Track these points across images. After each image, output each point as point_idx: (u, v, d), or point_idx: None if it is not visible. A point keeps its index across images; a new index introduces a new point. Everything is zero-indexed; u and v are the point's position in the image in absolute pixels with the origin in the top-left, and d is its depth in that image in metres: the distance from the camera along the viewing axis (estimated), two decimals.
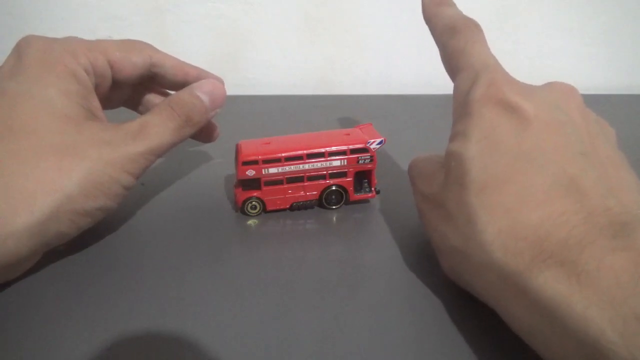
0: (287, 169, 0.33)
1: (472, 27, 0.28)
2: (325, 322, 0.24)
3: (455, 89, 0.27)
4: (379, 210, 0.35)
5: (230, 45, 0.66)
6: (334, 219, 0.34)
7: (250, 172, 0.33)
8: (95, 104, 0.30)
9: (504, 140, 0.22)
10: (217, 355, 0.23)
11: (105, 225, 0.34)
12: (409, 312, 0.25)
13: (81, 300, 0.26)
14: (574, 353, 0.17)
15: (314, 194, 0.34)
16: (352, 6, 0.64)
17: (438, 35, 0.29)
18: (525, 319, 0.20)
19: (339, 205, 0.35)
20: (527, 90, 0.24)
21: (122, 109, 0.37)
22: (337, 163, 0.34)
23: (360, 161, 0.34)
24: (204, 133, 0.36)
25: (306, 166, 0.33)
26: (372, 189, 0.35)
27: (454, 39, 0.28)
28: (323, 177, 0.34)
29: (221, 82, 0.35)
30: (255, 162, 0.33)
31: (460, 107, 0.25)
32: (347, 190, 0.35)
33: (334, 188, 0.34)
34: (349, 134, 0.35)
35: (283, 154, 0.33)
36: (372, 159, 0.34)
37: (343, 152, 0.33)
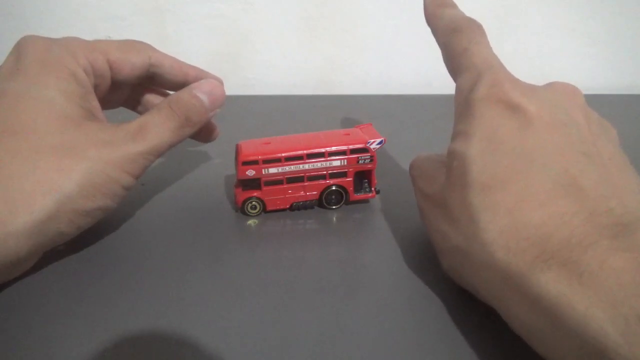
0: (287, 169, 0.33)
1: (475, 28, 0.28)
2: (325, 322, 0.24)
3: (458, 88, 0.27)
4: (379, 210, 0.35)
5: (230, 45, 0.66)
6: (334, 219, 0.34)
7: (250, 172, 0.33)
8: (95, 104, 0.30)
9: (506, 140, 0.22)
10: (217, 355, 0.23)
11: (105, 225, 0.34)
12: (409, 312, 0.25)
13: (81, 300, 0.26)
14: (574, 353, 0.17)
15: (314, 194, 0.34)
16: (352, 6, 0.64)
17: (440, 35, 0.29)
18: (526, 319, 0.20)
19: (339, 205, 0.35)
20: (530, 90, 0.24)
21: (122, 109, 0.37)
22: (337, 163, 0.34)
23: (360, 161, 0.34)
24: (204, 133, 0.36)
25: (306, 166, 0.33)
26: (372, 189, 0.35)
27: (456, 39, 0.28)
28: (323, 177, 0.34)
29: (220, 82, 0.35)
30: (255, 162, 0.33)
31: (462, 106, 0.25)
32: (347, 190, 0.35)
33: (334, 188, 0.34)
34: (349, 134, 0.35)
35: (283, 154, 0.33)
36: (372, 159, 0.34)
37: (343, 152, 0.33)
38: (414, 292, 0.27)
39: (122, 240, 0.32)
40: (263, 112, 0.57)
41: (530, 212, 0.20)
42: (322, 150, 0.33)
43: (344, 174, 0.34)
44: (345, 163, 0.34)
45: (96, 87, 0.31)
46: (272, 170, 0.33)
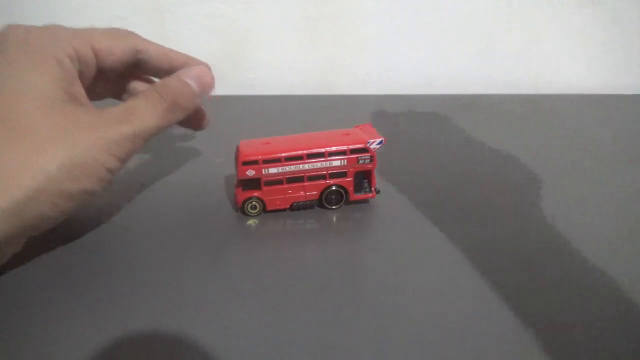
0: (287, 169, 0.33)
1: None
2: (325, 322, 0.24)
3: None
4: (379, 210, 0.35)
5: (230, 45, 0.66)
6: (334, 219, 0.34)
7: (250, 172, 0.33)
8: (80, 90, 0.29)
9: None
10: (217, 355, 0.23)
11: (105, 225, 0.34)
12: (409, 311, 0.25)
13: (81, 300, 0.26)
14: None
15: (314, 194, 0.34)
16: (352, 6, 0.64)
17: None
18: None
19: (339, 205, 0.35)
20: None
21: (110, 100, 0.37)
22: (337, 163, 0.34)
23: (360, 161, 0.34)
24: (194, 120, 0.35)
25: (306, 166, 0.33)
26: (372, 189, 0.35)
27: None
28: (323, 177, 0.34)
29: (208, 68, 0.34)
30: (255, 162, 0.33)
31: None
32: (347, 190, 0.35)
33: (334, 188, 0.34)
34: (349, 134, 0.35)
35: (283, 154, 0.33)
36: (372, 159, 0.34)
37: (343, 152, 0.33)
38: (413, 292, 0.27)
39: (122, 241, 0.32)
40: (263, 112, 0.57)
41: None
42: (322, 150, 0.33)
43: (344, 174, 0.34)
44: (345, 163, 0.34)
45: (81, 75, 0.30)
46: (272, 170, 0.33)
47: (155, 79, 0.36)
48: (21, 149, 0.25)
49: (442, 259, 0.29)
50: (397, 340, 0.23)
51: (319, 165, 0.33)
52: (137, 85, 0.36)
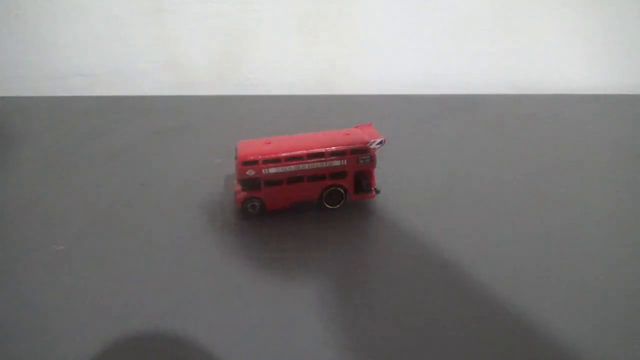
0: (287, 169, 0.33)
1: None
2: (325, 322, 0.24)
3: None
4: (379, 210, 0.35)
5: (230, 45, 0.66)
6: (334, 219, 0.34)
7: (250, 172, 0.33)
8: None
9: None
10: (217, 355, 0.23)
11: (105, 225, 0.34)
12: (409, 311, 0.25)
13: (81, 300, 0.26)
14: None
15: (314, 194, 0.34)
16: (352, 6, 0.64)
17: None
18: None
19: (339, 205, 0.35)
20: None
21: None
22: (337, 163, 0.34)
23: (360, 161, 0.34)
24: None
25: (306, 166, 0.33)
26: (372, 189, 0.35)
27: None
28: (323, 177, 0.34)
29: None
30: (255, 162, 0.33)
31: None
32: (347, 190, 0.35)
33: (334, 188, 0.34)
34: (349, 134, 0.35)
35: (283, 154, 0.33)
36: (372, 159, 0.34)
37: (343, 152, 0.33)
38: (413, 292, 0.27)
39: (121, 241, 0.32)
40: (263, 112, 0.57)
41: None
42: (322, 150, 0.33)
43: (344, 174, 0.34)
44: (345, 163, 0.34)
45: None
46: (272, 170, 0.33)
47: None
48: None
49: (442, 259, 0.29)
50: (397, 340, 0.23)
51: (319, 165, 0.33)
52: None
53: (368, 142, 0.34)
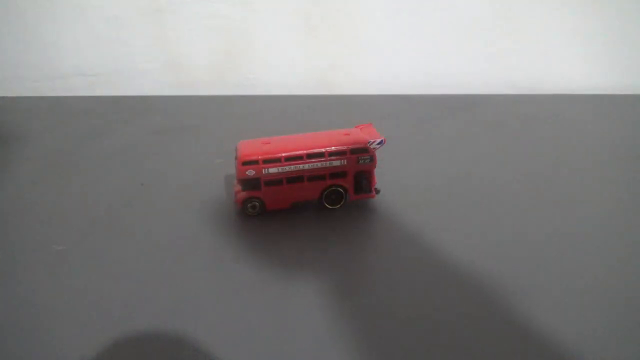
0: (287, 169, 0.33)
1: None
2: (325, 322, 0.24)
3: None
4: (379, 210, 0.35)
5: (230, 45, 0.66)
6: (334, 219, 0.34)
7: (250, 172, 0.33)
8: None
9: None
10: (217, 355, 0.23)
11: (105, 225, 0.34)
12: (409, 311, 0.25)
13: (81, 300, 0.26)
14: None
15: (314, 194, 0.34)
16: (352, 6, 0.64)
17: None
18: None
19: (339, 205, 0.35)
20: None
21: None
22: (337, 163, 0.34)
23: (360, 161, 0.34)
24: None
25: (306, 166, 0.33)
26: (372, 189, 0.35)
27: None
28: (323, 177, 0.34)
29: None
30: (255, 162, 0.33)
31: None
32: (347, 190, 0.35)
33: (334, 188, 0.34)
34: (349, 134, 0.35)
35: (283, 154, 0.33)
36: (372, 159, 0.34)
37: (343, 152, 0.33)
38: (413, 292, 0.27)
39: (121, 241, 0.32)
40: (263, 112, 0.57)
41: None
42: (322, 150, 0.33)
43: (344, 174, 0.34)
44: (345, 163, 0.34)
45: None
46: (272, 170, 0.33)
47: None
48: None
49: (442, 259, 0.29)
50: (397, 340, 0.23)
51: (319, 165, 0.33)
52: None
53: (368, 142, 0.34)
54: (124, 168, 0.43)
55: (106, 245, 0.31)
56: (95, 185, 0.40)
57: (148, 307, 0.26)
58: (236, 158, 0.34)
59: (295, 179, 0.34)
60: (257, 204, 0.34)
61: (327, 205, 0.35)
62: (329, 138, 0.34)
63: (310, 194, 0.34)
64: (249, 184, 0.34)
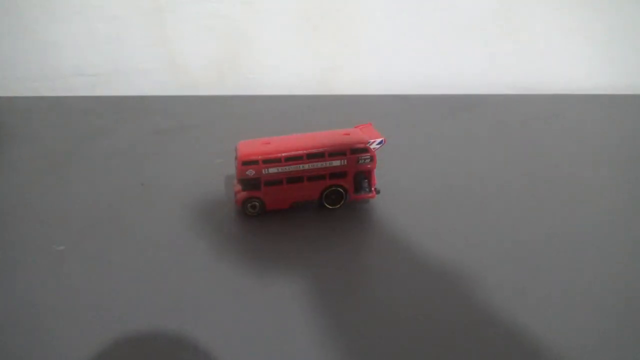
0: (287, 169, 0.33)
1: None
2: (325, 322, 0.24)
3: None
4: (379, 210, 0.35)
5: (230, 45, 0.66)
6: (334, 219, 0.34)
7: (250, 172, 0.33)
8: None
9: None
10: (217, 355, 0.23)
11: (105, 225, 0.34)
12: (409, 311, 0.25)
13: (81, 300, 0.26)
14: None
15: (314, 194, 0.34)
16: (352, 7, 0.64)
17: None
18: None
19: (339, 205, 0.35)
20: None
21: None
22: (337, 163, 0.34)
23: (360, 161, 0.34)
24: None
25: (306, 166, 0.33)
26: (372, 189, 0.35)
27: None
28: (323, 177, 0.34)
29: None
30: (255, 162, 0.33)
31: None
32: (347, 190, 0.35)
33: (334, 188, 0.34)
34: (349, 134, 0.35)
35: (283, 154, 0.33)
36: (372, 159, 0.34)
37: (343, 152, 0.33)
38: (413, 292, 0.27)
39: (121, 241, 0.32)
40: (263, 112, 0.57)
41: None
42: (322, 150, 0.33)
43: (344, 174, 0.34)
44: (345, 163, 0.34)
45: None
46: (272, 170, 0.33)
47: None
48: None
49: (442, 259, 0.29)
50: (396, 339, 0.23)
51: (319, 165, 0.33)
52: None
53: (368, 142, 0.34)
54: (124, 168, 0.43)
55: (106, 245, 0.31)
56: (95, 185, 0.40)
57: (148, 307, 0.26)
58: (236, 158, 0.34)
59: (295, 179, 0.34)
60: (257, 204, 0.34)
61: (327, 205, 0.35)
62: (329, 138, 0.34)
63: (310, 194, 0.34)
64: (249, 184, 0.34)
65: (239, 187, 0.34)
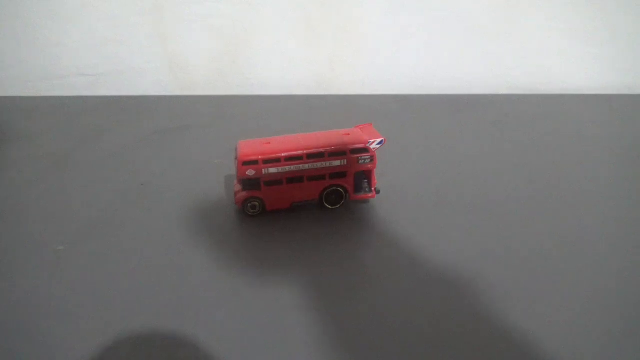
0: (287, 169, 0.33)
1: None
2: (325, 322, 0.24)
3: None
4: (379, 210, 0.35)
5: (230, 45, 0.66)
6: (334, 219, 0.34)
7: (250, 172, 0.33)
8: None
9: None
10: (217, 355, 0.23)
11: (105, 225, 0.34)
12: (409, 310, 0.25)
13: (81, 300, 0.26)
14: None
15: (314, 194, 0.34)
16: (352, 6, 0.64)
17: None
18: None
19: (339, 205, 0.35)
20: None
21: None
22: (337, 163, 0.34)
23: (360, 161, 0.34)
24: None
25: (306, 166, 0.33)
26: (372, 189, 0.35)
27: None
28: (323, 177, 0.34)
29: None
30: (255, 162, 0.33)
31: None
32: (347, 190, 0.35)
33: (334, 188, 0.34)
34: (349, 134, 0.35)
35: (283, 154, 0.33)
36: (372, 159, 0.34)
37: (343, 152, 0.33)
38: (413, 291, 0.27)
39: (121, 241, 0.32)
40: (263, 112, 0.57)
41: None
42: (322, 150, 0.33)
43: (344, 174, 0.34)
44: (345, 163, 0.34)
45: None
46: (272, 170, 0.33)
47: None
48: None
49: (441, 259, 0.29)
50: (396, 339, 0.23)
51: (319, 165, 0.33)
52: None
53: (368, 142, 0.34)
54: (123, 168, 0.43)
55: (106, 245, 0.31)
56: (95, 185, 0.40)
57: (148, 307, 0.26)
58: (236, 158, 0.34)
59: (295, 179, 0.34)
60: (257, 204, 0.34)
61: (327, 205, 0.35)
62: (329, 138, 0.34)
63: (310, 194, 0.34)
64: (249, 184, 0.34)
65: (239, 187, 0.34)
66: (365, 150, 0.34)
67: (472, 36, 0.64)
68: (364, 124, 0.37)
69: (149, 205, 0.36)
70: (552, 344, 0.23)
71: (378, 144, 0.34)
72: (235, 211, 0.35)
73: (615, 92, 0.65)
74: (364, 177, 0.36)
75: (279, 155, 0.33)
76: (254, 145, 0.34)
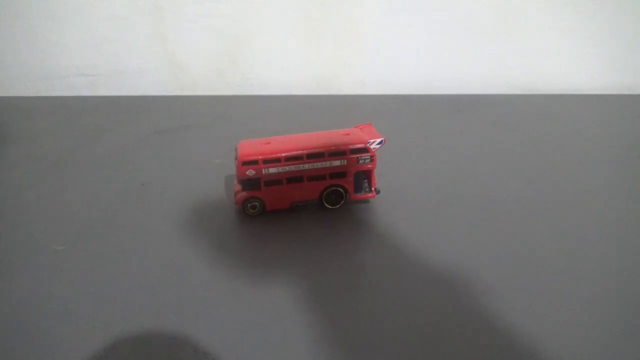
0: (287, 169, 0.33)
1: None
2: (325, 322, 0.24)
3: None
4: (379, 210, 0.35)
5: (230, 45, 0.66)
6: (334, 219, 0.34)
7: (250, 172, 0.33)
8: None
9: None
10: (217, 355, 0.23)
11: (105, 225, 0.34)
12: (409, 310, 0.25)
13: (80, 300, 0.26)
14: None
15: (314, 194, 0.34)
16: (352, 6, 0.64)
17: None
18: None
19: (339, 205, 0.35)
20: None
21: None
22: (337, 163, 0.34)
23: (360, 161, 0.34)
24: None
25: (306, 166, 0.33)
26: (372, 189, 0.35)
27: None
28: (323, 177, 0.34)
29: None
30: (255, 162, 0.33)
31: None
32: (347, 190, 0.35)
33: (334, 188, 0.34)
34: (349, 134, 0.35)
35: (283, 154, 0.33)
36: (372, 159, 0.34)
37: (343, 152, 0.33)
38: (413, 291, 0.27)
39: (121, 241, 0.32)
40: (263, 112, 0.57)
41: None
42: (322, 150, 0.33)
43: (344, 174, 0.34)
44: (345, 163, 0.34)
45: None
46: (272, 170, 0.33)
47: None
48: None
49: (441, 259, 0.29)
50: (396, 339, 0.23)
51: (319, 165, 0.33)
52: None
53: (368, 142, 0.34)
54: (124, 168, 0.43)
55: (106, 245, 0.31)
56: (95, 185, 0.40)
57: (148, 307, 0.26)
58: (236, 158, 0.34)
59: (295, 179, 0.34)
60: (257, 204, 0.34)
61: (327, 205, 0.35)
62: (329, 138, 0.34)
63: (310, 194, 0.34)
64: (249, 184, 0.34)
65: (239, 187, 0.34)
66: (365, 150, 0.34)
67: (472, 36, 0.64)
68: (364, 124, 0.37)
69: (149, 205, 0.36)
70: (552, 344, 0.23)
71: (378, 144, 0.34)
72: (235, 211, 0.35)
73: (615, 92, 0.65)
74: (364, 177, 0.36)
75: (279, 155, 0.33)
76: (254, 145, 0.34)
